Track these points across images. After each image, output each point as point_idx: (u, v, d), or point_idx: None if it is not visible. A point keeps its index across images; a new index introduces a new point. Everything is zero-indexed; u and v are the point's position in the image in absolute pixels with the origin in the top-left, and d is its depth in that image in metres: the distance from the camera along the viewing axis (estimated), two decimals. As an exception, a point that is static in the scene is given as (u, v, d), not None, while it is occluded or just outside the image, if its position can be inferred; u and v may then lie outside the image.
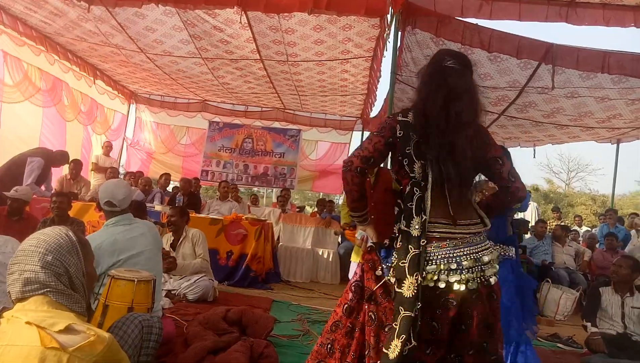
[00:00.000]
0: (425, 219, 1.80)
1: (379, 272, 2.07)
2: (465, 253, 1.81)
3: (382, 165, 2.07)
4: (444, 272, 1.78)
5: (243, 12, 4.88)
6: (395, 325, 1.78)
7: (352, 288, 2.16)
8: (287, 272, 6.58)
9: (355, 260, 4.32)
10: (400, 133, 1.90)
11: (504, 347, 2.33)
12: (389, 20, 4.53)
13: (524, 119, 6.71)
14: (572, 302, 5.75)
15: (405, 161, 1.90)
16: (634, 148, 8.48)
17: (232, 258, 5.83)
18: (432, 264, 1.79)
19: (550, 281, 6.00)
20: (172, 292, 4.42)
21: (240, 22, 5.10)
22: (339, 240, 7.21)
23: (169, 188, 8.39)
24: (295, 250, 6.75)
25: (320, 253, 6.81)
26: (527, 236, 6.96)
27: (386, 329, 1.95)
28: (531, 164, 61.93)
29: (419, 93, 1.96)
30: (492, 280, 1.84)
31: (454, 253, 1.80)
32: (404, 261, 1.80)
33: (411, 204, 1.84)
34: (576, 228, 10.63)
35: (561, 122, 6.76)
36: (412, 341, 1.71)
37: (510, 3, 4.20)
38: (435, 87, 1.88)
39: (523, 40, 4.56)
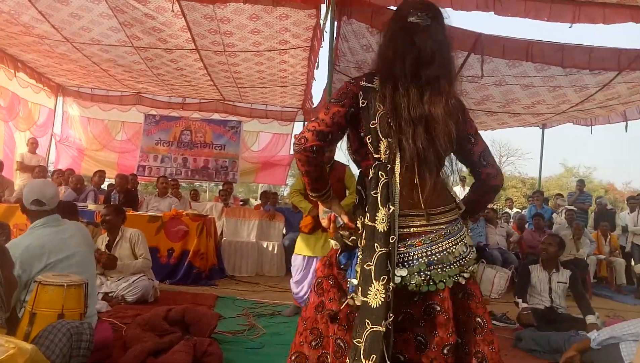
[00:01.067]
0: (394, 211, 1.48)
1: (348, 298, 1.58)
2: (443, 248, 1.53)
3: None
4: (422, 273, 1.49)
5: (175, -1, 4.72)
6: (359, 342, 1.41)
7: (306, 322, 1.70)
8: (231, 267, 6.48)
9: (300, 253, 4.26)
10: (363, 103, 1.55)
11: None
12: (324, 9, 4.54)
13: (457, 107, 6.97)
14: (505, 280, 6.11)
15: (369, 139, 1.54)
16: (558, 132, 9.18)
17: (173, 256, 5.66)
18: (406, 266, 1.49)
19: (485, 262, 6.33)
20: (110, 295, 4.23)
21: (173, 10, 4.91)
22: (284, 231, 7.20)
23: (104, 186, 7.99)
24: (240, 244, 6.65)
25: (265, 246, 6.77)
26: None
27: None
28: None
29: (384, 56, 1.60)
30: (466, 275, 1.55)
31: (432, 249, 1.51)
32: (369, 263, 1.46)
33: (376, 193, 1.50)
34: (507, 210, 11.23)
35: (491, 109, 7.10)
36: (387, 361, 1.37)
37: (444, -8, 4.32)
38: (402, 49, 1.54)
39: (454, 30, 4.72)
